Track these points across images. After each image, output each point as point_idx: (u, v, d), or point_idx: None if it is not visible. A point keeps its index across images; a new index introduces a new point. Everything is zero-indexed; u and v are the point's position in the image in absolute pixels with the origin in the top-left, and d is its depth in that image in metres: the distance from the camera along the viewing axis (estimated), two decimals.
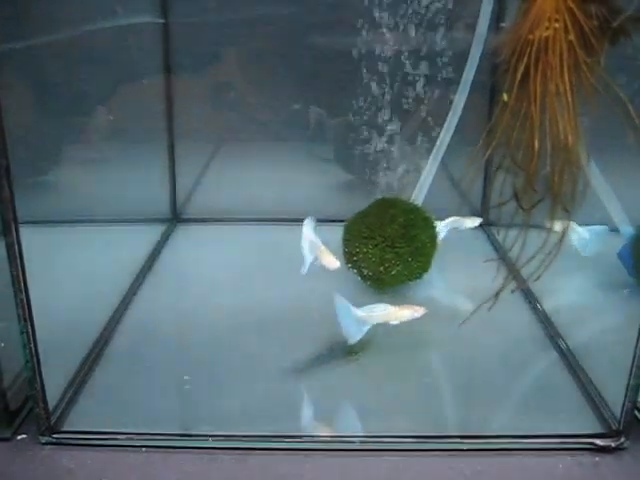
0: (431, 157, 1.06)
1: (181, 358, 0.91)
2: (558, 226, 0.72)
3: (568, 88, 0.67)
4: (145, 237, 1.27)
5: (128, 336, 0.95)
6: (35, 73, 1.05)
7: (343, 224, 1.07)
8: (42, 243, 0.94)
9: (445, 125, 1.07)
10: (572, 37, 0.67)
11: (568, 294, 1.05)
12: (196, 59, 1.30)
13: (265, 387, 0.84)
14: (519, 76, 0.67)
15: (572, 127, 0.67)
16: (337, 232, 1.06)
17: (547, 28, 0.68)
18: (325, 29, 1.21)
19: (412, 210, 1.04)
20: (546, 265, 0.71)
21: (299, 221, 1.04)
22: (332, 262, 0.94)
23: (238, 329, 0.96)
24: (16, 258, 0.68)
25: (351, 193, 1.36)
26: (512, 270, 0.80)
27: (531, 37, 0.68)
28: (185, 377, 0.85)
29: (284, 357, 0.89)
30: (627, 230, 1.07)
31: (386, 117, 1.21)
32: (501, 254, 1.18)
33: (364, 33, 1.14)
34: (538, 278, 0.72)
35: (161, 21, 1.24)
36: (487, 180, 1.23)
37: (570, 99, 0.68)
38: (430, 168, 1.05)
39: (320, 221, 1.04)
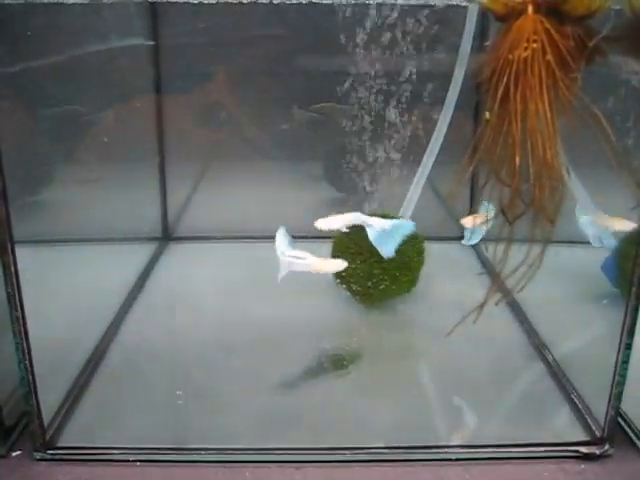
0: (418, 173, 1.08)
1: (174, 374, 0.93)
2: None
3: (547, 106, 0.70)
4: (137, 255, 1.29)
5: (121, 353, 0.96)
6: (28, 94, 1.07)
7: (331, 240, 1.09)
8: (34, 262, 0.96)
9: (431, 142, 1.09)
10: (550, 57, 0.70)
11: (553, 306, 1.06)
12: (185, 80, 1.33)
13: (256, 401, 0.86)
14: (500, 95, 0.70)
15: (551, 144, 0.69)
16: (326, 248, 1.08)
17: (526, 49, 0.71)
18: (312, 49, 1.23)
19: None
20: (528, 277, 0.73)
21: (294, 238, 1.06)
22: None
23: (229, 345, 0.98)
24: (12, 277, 0.70)
25: (340, 210, 1.38)
26: (498, 283, 0.82)
27: (510, 57, 0.71)
28: (178, 392, 0.86)
29: (275, 372, 0.91)
30: (610, 242, 1.09)
31: (374, 135, 1.23)
32: (488, 268, 1.21)
33: (351, 54, 1.16)
34: (521, 290, 0.74)
35: (151, 43, 1.27)
36: (473, 195, 1.26)
37: (549, 117, 0.71)
38: (417, 184, 1.07)
39: (309, 238, 1.05)
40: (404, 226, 0.96)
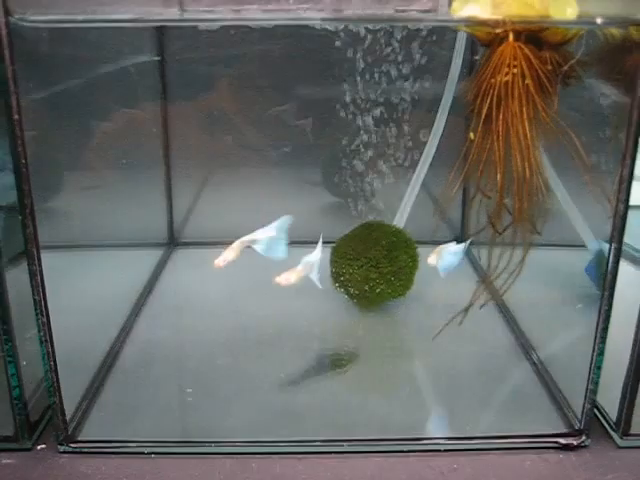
0: (411, 183, 1.14)
1: (183, 373, 0.99)
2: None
3: (527, 127, 0.77)
4: (144, 261, 1.35)
5: (134, 353, 1.03)
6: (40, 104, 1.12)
7: (331, 245, 1.15)
8: (47, 268, 1.02)
9: (424, 153, 1.15)
10: (529, 81, 0.77)
11: (539, 307, 1.12)
12: (190, 92, 1.38)
13: (261, 397, 0.92)
14: (483, 116, 0.77)
15: (530, 162, 0.76)
16: (325, 253, 1.14)
17: (507, 73, 0.78)
18: (313, 66, 1.30)
19: (394, 233, 1.13)
20: (510, 283, 0.80)
21: (295, 243, 1.12)
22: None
23: (235, 346, 1.04)
24: (38, 285, 0.76)
25: (338, 215, 1.44)
26: (484, 286, 0.89)
27: (493, 81, 0.78)
28: (188, 390, 0.93)
29: (278, 370, 0.97)
30: (593, 245, 1.14)
31: (370, 147, 1.29)
32: (480, 271, 1.27)
33: (342, 73, 1.22)
34: (503, 294, 0.81)
35: (157, 59, 1.33)
36: (465, 203, 1.32)
37: (529, 137, 0.77)
38: (410, 194, 1.14)
39: (309, 243, 1.12)
40: (283, 222, 0.96)
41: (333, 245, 1.14)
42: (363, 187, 1.34)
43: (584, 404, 0.82)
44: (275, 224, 0.95)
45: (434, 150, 1.15)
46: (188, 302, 1.20)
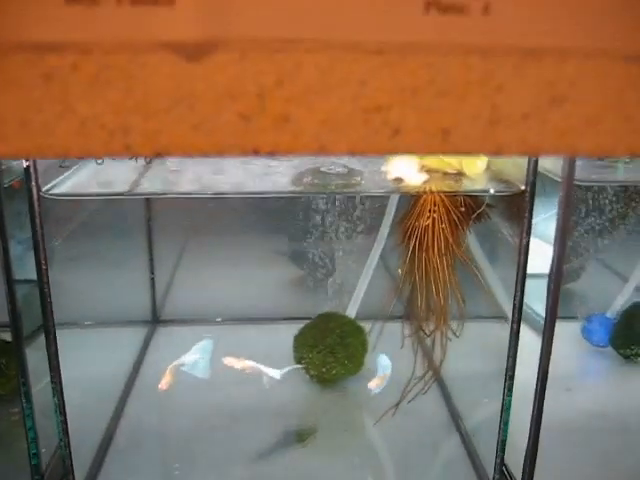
0: (360, 281, 1.36)
1: (170, 448, 1.18)
2: None
3: (443, 261, 1.00)
4: (128, 340, 1.50)
5: (127, 432, 1.21)
6: None
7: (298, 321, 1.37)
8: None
9: (370, 256, 1.36)
10: (444, 225, 1.00)
11: (468, 380, 1.33)
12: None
13: (236, 468, 1.11)
14: (410, 252, 0.99)
15: (444, 290, 0.99)
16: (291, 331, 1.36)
17: (428, 218, 1.00)
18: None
19: (347, 323, 1.34)
20: (440, 361, 1.03)
21: (265, 320, 1.33)
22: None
23: (214, 421, 1.23)
24: (53, 362, 0.95)
25: (303, 288, 1.63)
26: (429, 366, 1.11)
27: (417, 224, 1.00)
28: (175, 465, 1.12)
29: (252, 443, 1.17)
30: None
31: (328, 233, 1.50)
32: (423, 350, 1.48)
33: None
34: (430, 384, 1.03)
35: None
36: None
37: (445, 266, 1.00)
38: (359, 290, 1.36)
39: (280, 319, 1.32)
40: (205, 344, 1.26)
41: (295, 334, 1.35)
42: (324, 268, 1.54)
43: (494, 467, 1.04)
44: (198, 346, 1.19)
45: (380, 249, 1.36)
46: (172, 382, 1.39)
